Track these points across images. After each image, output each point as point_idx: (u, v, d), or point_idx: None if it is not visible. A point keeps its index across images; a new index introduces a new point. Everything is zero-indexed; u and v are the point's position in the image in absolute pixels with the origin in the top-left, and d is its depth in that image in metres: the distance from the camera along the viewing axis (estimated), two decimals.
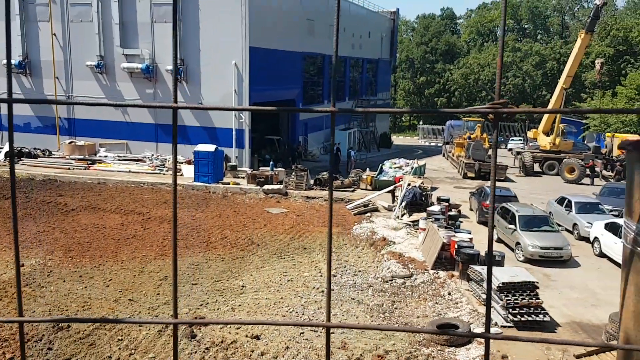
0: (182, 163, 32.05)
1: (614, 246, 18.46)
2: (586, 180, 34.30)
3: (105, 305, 14.70)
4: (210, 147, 29.32)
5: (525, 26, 75.28)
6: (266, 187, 28.01)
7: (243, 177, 30.16)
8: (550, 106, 38.63)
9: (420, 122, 68.01)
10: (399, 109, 1.24)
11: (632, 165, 1.35)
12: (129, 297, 15.24)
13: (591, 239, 20.20)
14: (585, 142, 47.08)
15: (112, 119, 34.90)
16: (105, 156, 34.09)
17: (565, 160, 35.47)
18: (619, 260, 18.06)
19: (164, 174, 31.44)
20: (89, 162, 33.12)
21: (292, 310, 14.61)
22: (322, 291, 15.89)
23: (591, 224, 20.53)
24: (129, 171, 31.59)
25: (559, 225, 21.30)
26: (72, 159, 33.41)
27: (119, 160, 33.55)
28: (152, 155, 33.65)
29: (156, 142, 34.17)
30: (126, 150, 35.01)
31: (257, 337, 12.97)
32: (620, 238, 18.13)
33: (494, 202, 1.21)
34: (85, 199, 25.94)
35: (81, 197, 26.29)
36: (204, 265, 17.90)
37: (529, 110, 1.21)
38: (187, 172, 30.62)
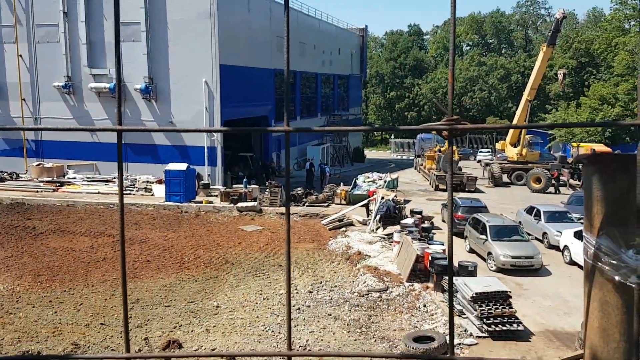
0: (153, 183, 31.64)
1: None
2: (552, 189, 35.04)
3: (76, 331, 14.30)
4: (182, 166, 29.02)
5: (490, 41, 77.05)
6: (240, 204, 27.79)
7: (216, 195, 29.89)
8: (516, 118, 39.47)
9: (392, 136, 68.70)
10: (354, 128, 1.24)
11: (589, 179, 1.37)
12: (100, 321, 14.87)
13: (561, 247, 20.54)
14: (552, 152, 48.17)
15: (81, 139, 34.31)
16: (74, 178, 33.42)
17: (531, 170, 36.18)
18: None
19: (134, 194, 30.94)
20: (58, 184, 32.42)
21: (269, 329, 14.45)
22: (299, 308, 15.77)
23: (560, 233, 20.89)
24: (98, 192, 31.01)
25: (529, 234, 21.62)
26: (40, 182, 32.67)
27: (88, 181, 32.93)
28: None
29: (126, 162, 33.69)
30: (95, 171, 34.40)
31: (233, 358, 12.76)
32: None
33: (451, 212, 1.20)
34: (54, 222, 25.34)
35: (50, 220, 25.67)
36: (177, 286, 17.60)
37: (481, 127, 1.22)
38: (158, 191, 30.21)
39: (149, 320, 15.00)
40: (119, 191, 1.10)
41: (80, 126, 1.16)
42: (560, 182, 35.85)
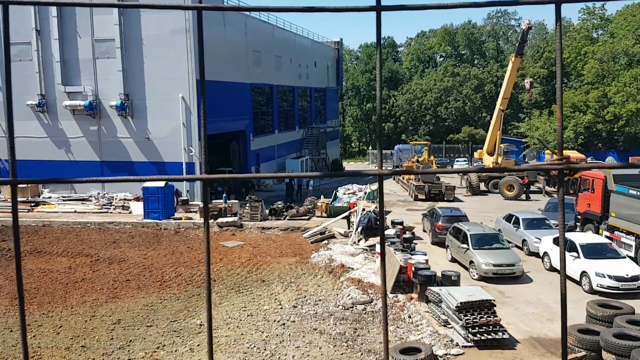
0: (130, 200, 31.18)
1: None
2: (523, 196, 35.64)
3: (56, 354, 13.92)
4: (160, 183, 28.68)
5: (463, 52, 78.28)
6: (220, 220, 27.54)
7: (195, 211, 29.58)
8: (491, 127, 40.05)
9: (370, 148, 69.11)
10: (466, 169, 1.19)
11: None
12: (81, 344, 14.50)
13: (541, 254, 20.76)
14: (526, 160, 48.92)
15: (55, 158, 33.72)
16: (49, 197, 32.77)
17: (503, 178, 36.62)
18: (570, 273, 18.62)
19: (111, 212, 30.49)
20: (33, 204, 31.75)
21: (254, 346, 14.26)
22: (284, 324, 15.61)
23: (540, 239, 21.12)
24: (75, 211, 30.49)
25: (509, 242, 21.81)
26: None
27: (64, 200, 32.32)
28: (98, 193, 32.61)
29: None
30: (71, 190, 33.77)
31: None
32: (570, 252, 18.75)
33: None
34: (30, 243, 24.76)
35: (25, 241, 25.07)
36: (158, 305, 17.30)
37: (596, 166, 1.17)
38: (136, 209, 29.80)
39: (131, 341, 14.69)
40: (205, 239, 1.04)
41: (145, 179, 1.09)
42: (531, 189, 36.46)
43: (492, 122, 39.68)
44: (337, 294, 17.88)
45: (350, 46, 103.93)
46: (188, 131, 32.03)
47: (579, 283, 17.98)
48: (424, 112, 70.58)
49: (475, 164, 43.60)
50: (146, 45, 32.01)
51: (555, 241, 19.99)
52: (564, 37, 66.18)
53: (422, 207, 31.53)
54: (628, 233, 20.21)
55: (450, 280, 16.72)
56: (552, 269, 19.84)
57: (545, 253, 20.36)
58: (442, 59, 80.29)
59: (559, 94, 1.17)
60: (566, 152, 39.85)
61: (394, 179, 46.17)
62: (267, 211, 28.76)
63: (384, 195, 1.16)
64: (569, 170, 1.12)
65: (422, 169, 36.41)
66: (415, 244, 22.24)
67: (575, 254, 18.43)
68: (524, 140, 52.17)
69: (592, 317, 13.56)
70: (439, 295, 15.32)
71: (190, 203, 30.74)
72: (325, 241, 24.44)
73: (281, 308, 16.80)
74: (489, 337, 13.70)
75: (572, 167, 1.10)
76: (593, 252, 18.24)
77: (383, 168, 1.22)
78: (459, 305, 14.16)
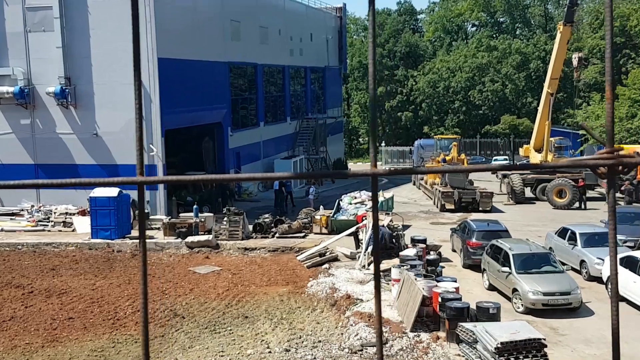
0: (74, 214, 31.21)
1: (633, 286, 19.03)
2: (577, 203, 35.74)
3: None
4: (112, 192, 28.71)
5: (501, 19, 78.57)
6: (190, 239, 27.58)
7: (158, 228, 29.61)
8: (538, 115, 40.17)
9: (383, 144, 69.26)
10: (474, 167, 1.16)
11: None
12: None
13: (604, 279, 20.79)
14: None
15: None
16: None
17: (552, 181, 36.57)
18: (638, 301, 18.61)
19: (49, 230, 30.53)
20: None
21: None
22: None
23: (603, 260, 21.13)
24: (2, 230, 30.52)
25: (563, 263, 21.83)
26: None
27: None
28: (32, 206, 32.63)
29: (37, 190, 33.18)
30: None
31: None
32: (639, 275, 18.72)
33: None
34: None
35: None
36: (110, 350, 17.31)
37: None
38: (82, 226, 29.82)
39: None
40: (141, 254, 1.04)
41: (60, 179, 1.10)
42: (589, 195, 36.42)
43: (540, 109, 39.80)
44: (342, 334, 17.90)
45: (356, 13, 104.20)
46: (148, 125, 32.06)
47: None
48: (452, 98, 70.80)
49: (519, 164, 43.65)
50: (93, 15, 32.09)
51: (623, 262, 19.98)
52: (631, 0, 66.48)
53: (451, 220, 31.56)
54: None
55: (487, 314, 16.74)
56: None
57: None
58: (474, 28, 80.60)
59: (609, 66, 1.15)
60: (636, 148, 39.94)
61: (414, 184, 46.32)
62: (250, 227, 28.76)
63: (382, 200, 1.14)
64: (622, 167, 1.08)
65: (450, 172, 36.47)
66: (443, 267, 22.29)
67: None
68: (580, 132, 52.28)
69: None
70: (474, 334, 15.34)
71: (152, 217, 30.76)
72: (326, 265, 24.47)
73: (269, 352, 16.80)
74: None
75: (624, 163, 1.07)
76: None
77: (377, 167, 1.21)
78: (499, 346, 14.17)
